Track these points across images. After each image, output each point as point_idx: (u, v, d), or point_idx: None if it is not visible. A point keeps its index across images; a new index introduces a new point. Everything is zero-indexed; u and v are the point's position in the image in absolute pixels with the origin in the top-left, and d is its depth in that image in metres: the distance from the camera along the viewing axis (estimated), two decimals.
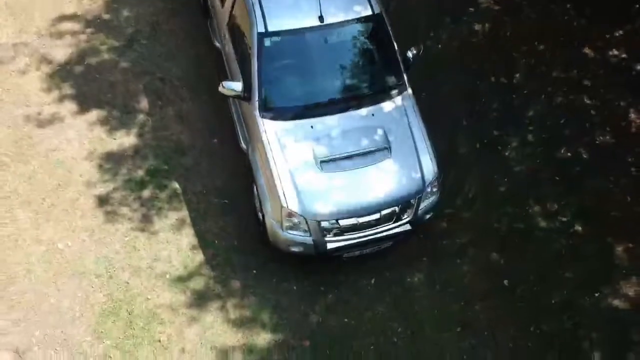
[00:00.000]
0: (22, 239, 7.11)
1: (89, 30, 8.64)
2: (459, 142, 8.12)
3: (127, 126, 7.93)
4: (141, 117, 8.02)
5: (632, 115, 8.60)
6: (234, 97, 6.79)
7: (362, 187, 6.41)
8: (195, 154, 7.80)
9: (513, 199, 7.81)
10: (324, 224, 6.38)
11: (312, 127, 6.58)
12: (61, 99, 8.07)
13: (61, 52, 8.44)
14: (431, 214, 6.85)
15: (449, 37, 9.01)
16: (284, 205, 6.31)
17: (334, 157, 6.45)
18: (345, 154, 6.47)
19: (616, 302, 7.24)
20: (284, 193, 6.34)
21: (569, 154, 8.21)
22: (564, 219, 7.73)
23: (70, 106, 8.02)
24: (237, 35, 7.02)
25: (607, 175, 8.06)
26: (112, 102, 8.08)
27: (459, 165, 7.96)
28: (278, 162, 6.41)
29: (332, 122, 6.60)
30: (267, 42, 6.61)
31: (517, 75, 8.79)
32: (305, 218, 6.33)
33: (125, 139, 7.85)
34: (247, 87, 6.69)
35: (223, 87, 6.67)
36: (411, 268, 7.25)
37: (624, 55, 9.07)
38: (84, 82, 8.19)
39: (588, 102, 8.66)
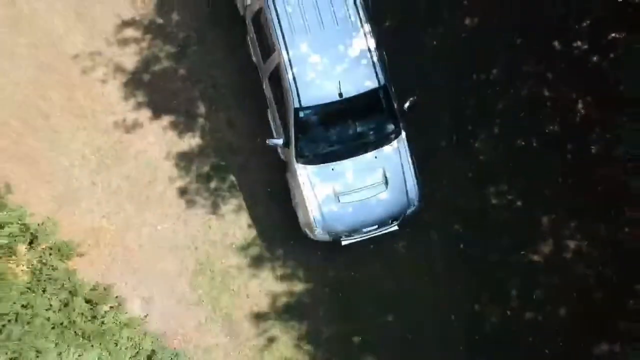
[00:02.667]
0: (131, 222, 10.41)
1: (147, 36, 10.61)
2: (441, 137, 10.79)
3: (191, 129, 10.57)
4: (201, 121, 10.60)
5: (579, 106, 11.07)
6: (278, 147, 9.50)
7: (366, 212, 9.51)
8: (245, 152, 10.57)
9: (476, 182, 10.82)
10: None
11: (332, 169, 9.42)
12: (138, 106, 10.54)
13: (130, 60, 10.57)
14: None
15: (444, 32, 10.90)
16: (315, 227, 9.54)
17: (347, 192, 9.45)
18: (355, 189, 9.46)
19: (535, 257, 10.83)
20: (314, 219, 9.51)
21: (523, 143, 10.95)
22: (510, 197, 10.88)
23: (146, 113, 10.54)
24: (277, 92, 9.35)
25: (548, 160, 10.93)
26: (178, 108, 10.55)
27: (438, 156, 10.78)
28: (310, 198, 9.42)
29: (346, 165, 9.41)
30: (301, 114, 9.06)
31: (495, 70, 10.99)
32: (328, 233, 9.63)
33: (192, 141, 10.57)
34: (287, 139, 9.35)
35: (269, 142, 9.34)
36: (398, 237, 10.63)
37: (585, 47, 11.10)
38: (152, 91, 10.54)
39: (547, 94, 11.03)
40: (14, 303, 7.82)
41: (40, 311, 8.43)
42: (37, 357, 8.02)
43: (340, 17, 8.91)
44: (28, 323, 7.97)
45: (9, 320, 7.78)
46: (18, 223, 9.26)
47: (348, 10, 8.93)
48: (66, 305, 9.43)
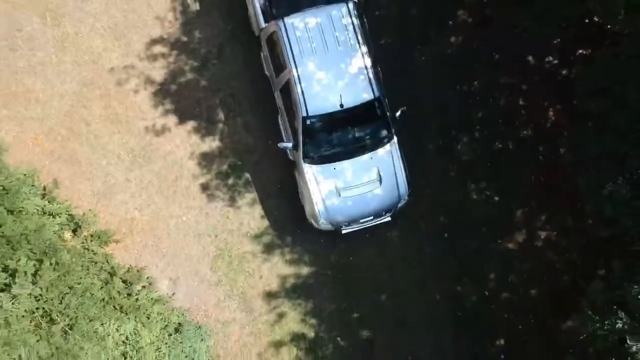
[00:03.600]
0: (161, 214, 12.03)
1: (174, 52, 12.22)
2: (428, 141, 12.39)
3: (212, 133, 12.19)
4: (220, 125, 12.23)
5: (550, 113, 12.69)
6: (288, 149, 11.14)
7: (363, 205, 11.11)
8: (259, 153, 12.18)
9: (458, 180, 12.41)
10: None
11: (334, 168, 11.06)
12: (166, 113, 12.16)
13: (158, 73, 12.19)
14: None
15: (431, 49, 12.51)
16: (319, 217, 11.17)
17: (347, 187, 11.10)
18: (354, 186, 11.10)
19: (510, 245, 12.44)
20: (319, 211, 11.15)
21: (500, 145, 12.55)
22: (488, 193, 12.50)
23: (173, 119, 12.16)
24: (287, 102, 10.98)
25: (523, 161, 12.53)
26: (200, 115, 12.16)
27: (426, 157, 12.37)
28: (315, 193, 11.05)
29: (346, 165, 11.03)
30: (308, 121, 10.70)
31: (476, 83, 12.60)
32: (330, 223, 11.29)
33: (213, 143, 12.19)
34: (295, 143, 10.99)
35: (281, 145, 10.99)
36: (390, 227, 12.26)
37: (555, 62, 12.71)
38: (178, 100, 12.15)
39: (521, 103, 12.64)
40: (78, 277, 9.42)
41: (88, 287, 10.05)
42: (88, 324, 9.63)
43: (341, 40, 10.54)
44: (81, 296, 9.58)
45: (67, 293, 9.39)
46: (65, 214, 10.87)
47: (348, 34, 10.56)
48: (106, 284, 11.04)
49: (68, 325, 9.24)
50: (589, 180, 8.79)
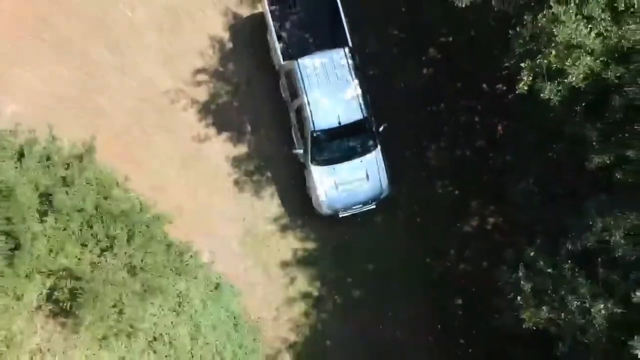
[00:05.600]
0: (203, 202, 15.89)
1: (213, 79, 16.15)
2: (405, 150, 16.35)
3: (242, 142, 16.10)
4: (248, 136, 16.14)
5: (499, 128, 16.64)
6: (299, 154, 15.13)
7: (355, 196, 15.08)
8: (277, 157, 16.10)
9: (428, 178, 16.35)
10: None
11: (334, 169, 15.03)
12: (207, 126, 16.06)
13: (202, 95, 16.09)
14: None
15: (408, 78, 16.47)
16: (322, 205, 15.16)
17: (343, 183, 15.09)
18: (348, 182, 15.09)
19: (467, 228, 16.42)
20: (322, 200, 15.12)
21: (460, 153, 16.50)
22: (450, 188, 16.46)
23: (213, 130, 16.06)
24: (299, 119, 14.96)
25: (477, 164, 16.48)
26: (233, 128, 16.09)
27: (403, 161, 16.31)
28: (319, 187, 15.05)
29: (343, 166, 15.00)
30: (315, 134, 14.69)
31: (442, 104, 16.57)
32: (331, 209, 15.31)
33: (242, 149, 16.11)
34: (305, 149, 14.99)
35: (294, 151, 14.99)
36: (376, 213, 16.17)
37: (504, 88, 16.66)
38: (217, 116, 16.02)
39: (477, 120, 16.61)
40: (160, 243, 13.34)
41: (156, 253, 13.98)
42: (157, 279, 13.56)
43: (339, 76, 14.49)
44: (153, 258, 13.49)
45: (143, 256, 13.29)
46: (137, 199, 14.80)
47: (344, 71, 14.52)
48: (165, 252, 14.96)
49: (145, 278, 13.17)
50: (509, 180, 12.78)
